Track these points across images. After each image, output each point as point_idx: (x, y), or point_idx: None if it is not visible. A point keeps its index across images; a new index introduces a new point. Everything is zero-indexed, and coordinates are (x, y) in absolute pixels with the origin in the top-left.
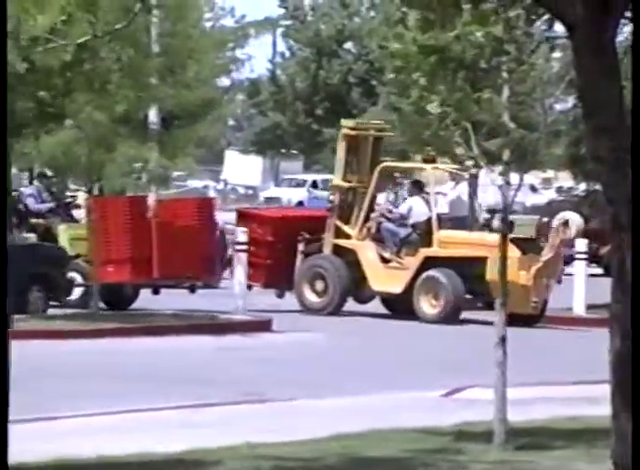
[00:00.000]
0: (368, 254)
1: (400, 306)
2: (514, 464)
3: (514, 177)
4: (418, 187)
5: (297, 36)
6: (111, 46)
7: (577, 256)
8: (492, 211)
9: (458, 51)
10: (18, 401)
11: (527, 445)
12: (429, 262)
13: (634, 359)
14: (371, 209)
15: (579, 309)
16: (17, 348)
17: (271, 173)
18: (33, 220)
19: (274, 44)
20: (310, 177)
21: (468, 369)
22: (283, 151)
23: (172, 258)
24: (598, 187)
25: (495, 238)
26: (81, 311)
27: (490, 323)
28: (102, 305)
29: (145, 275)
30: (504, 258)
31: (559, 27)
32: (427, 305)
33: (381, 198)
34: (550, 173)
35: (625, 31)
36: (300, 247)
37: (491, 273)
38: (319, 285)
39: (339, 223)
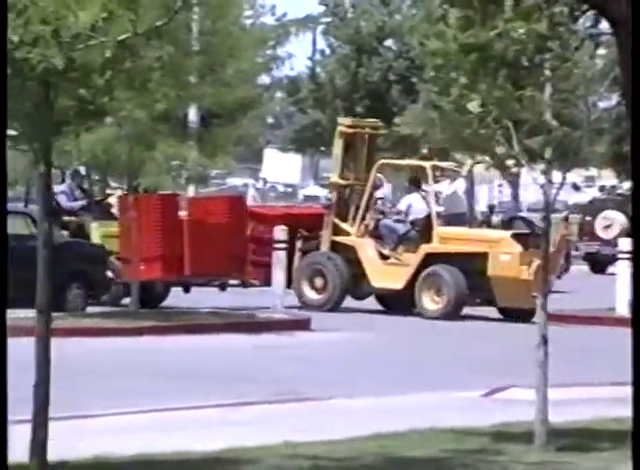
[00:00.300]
0: (367, 250)
1: (396, 303)
2: (555, 465)
3: (556, 175)
4: (416, 184)
5: (337, 34)
6: (151, 44)
7: (620, 255)
8: (491, 208)
9: (500, 49)
10: (57, 399)
11: (569, 446)
12: (430, 259)
13: (634, 359)
14: (369, 205)
15: (622, 310)
16: (56, 345)
17: (310, 171)
18: (66, 218)
19: (314, 42)
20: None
21: (507, 368)
22: (322, 149)
23: (203, 255)
24: None
25: (495, 234)
26: (120, 309)
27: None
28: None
29: (176, 273)
30: (546, 258)
31: (604, 24)
32: (429, 301)
33: (379, 194)
34: (593, 171)
35: None
36: (298, 244)
37: (492, 269)
38: (318, 282)
39: (337, 221)
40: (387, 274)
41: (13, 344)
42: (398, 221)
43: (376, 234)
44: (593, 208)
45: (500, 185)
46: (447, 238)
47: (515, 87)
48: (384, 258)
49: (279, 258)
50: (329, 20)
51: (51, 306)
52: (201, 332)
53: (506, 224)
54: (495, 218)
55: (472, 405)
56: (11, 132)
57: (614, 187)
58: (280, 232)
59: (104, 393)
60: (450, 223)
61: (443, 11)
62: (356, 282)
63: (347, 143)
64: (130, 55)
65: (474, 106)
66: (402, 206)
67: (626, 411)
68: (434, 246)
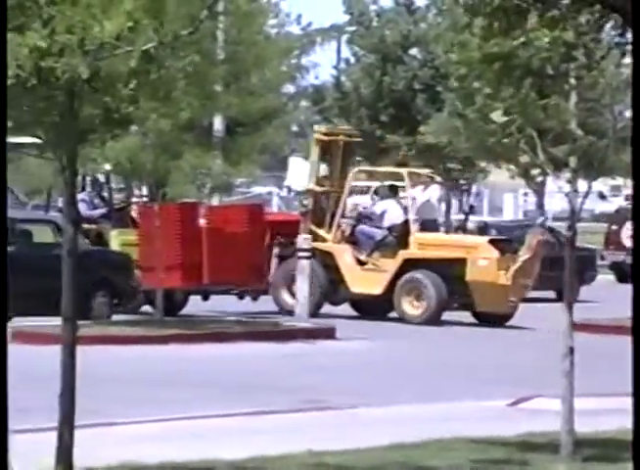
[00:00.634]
0: (345, 256)
1: (371, 308)
2: None
3: (582, 184)
4: (393, 191)
5: (361, 42)
6: (176, 53)
7: None
8: (467, 214)
9: (524, 57)
10: (82, 407)
11: (595, 456)
12: (408, 264)
13: (635, 359)
14: (345, 212)
15: None
16: (81, 353)
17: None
18: (85, 226)
19: (338, 50)
20: (374, 184)
21: (535, 376)
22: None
23: (222, 264)
24: None
25: (472, 240)
26: (145, 317)
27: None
28: (151, 309)
29: (195, 281)
30: (572, 267)
31: (630, 33)
32: (409, 307)
33: (354, 200)
34: (619, 181)
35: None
36: (275, 250)
37: (471, 274)
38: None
39: (313, 227)
40: (365, 280)
41: (38, 351)
42: (375, 227)
43: (352, 240)
44: (619, 217)
45: (525, 194)
46: (425, 244)
47: (539, 96)
48: (361, 263)
49: (302, 266)
50: (354, 28)
51: (76, 314)
52: (225, 340)
53: (482, 230)
54: (471, 224)
55: (497, 415)
56: (36, 140)
57: None
58: (304, 241)
59: (129, 401)
60: (423, 230)
61: (469, 19)
62: (334, 288)
63: (323, 150)
64: (155, 64)
65: (497, 115)
66: (377, 209)
67: None
68: (413, 252)
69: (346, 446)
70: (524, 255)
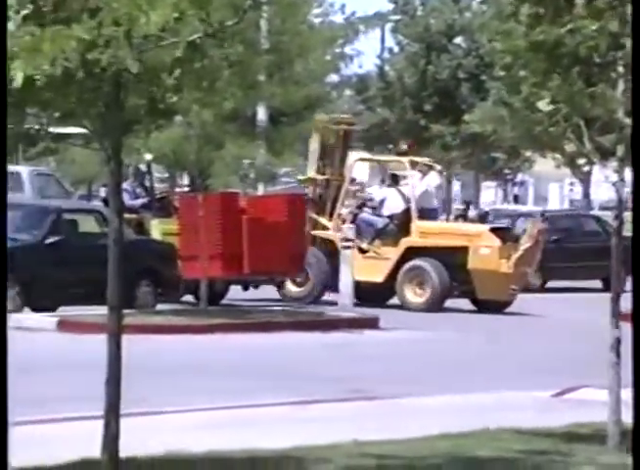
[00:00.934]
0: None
1: (371, 296)
2: (628, 467)
3: (629, 174)
4: (393, 179)
5: (406, 31)
6: (220, 44)
7: None
8: (468, 203)
9: (571, 46)
10: (127, 396)
11: None
12: (410, 252)
13: (634, 359)
14: (345, 200)
15: None
16: (126, 342)
17: (379, 169)
18: (126, 215)
19: (382, 40)
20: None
21: (580, 367)
22: (390, 147)
23: (263, 254)
24: None
25: (474, 228)
26: (189, 307)
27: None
28: (192, 299)
29: (236, 271)
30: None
31: None
32: (411, 294)
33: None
34: None
35: None
36: None
37: (472, 262)
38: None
39: (315, 215)
40: (367, 268)
41: (85, 340)
42: (376, 215)
43: (355, 229)
44: None
45: (571, 183)
46: (426, 232)
47: (586, 84)
48: (362, 251)
49: (346, 256)
50: (398, 17)
51: (122, 303)
52: (270, 330)
53: (482, 218)
54: (472, 212)
55: (542, 406)
56: (82, 131)
57: None
58: (348, 230)
59: (175, 390)
60: (422, 218)
61: (514, 8)
62: (336, 275)
63: (324, 139)
64: (200, 55)
65: (544, 104)
66: (377, 196)
67: None
68: (415, 240)
69: (392, 436)
70: (525, 243)
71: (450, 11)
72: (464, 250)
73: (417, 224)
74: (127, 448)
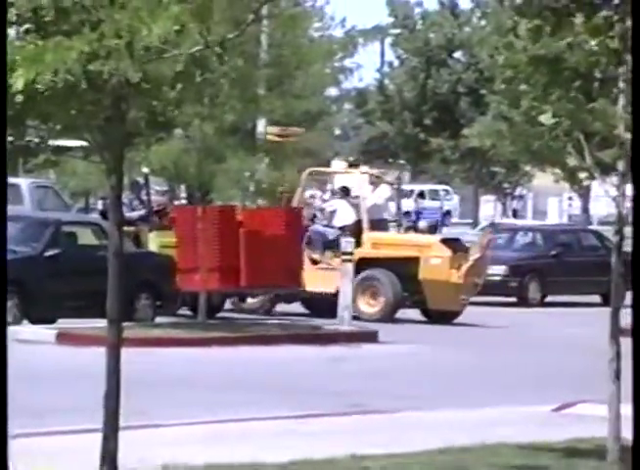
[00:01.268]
0: None
1: (322, 306)
2: None
3: (629, 189)
4: (344, 191)
5: (405, 45)
6: (221, 57)
7: None
8: (418, 214)
9: (572, 60)
10: (126, 408)
11: None
12: (362, 263)
13: (635, 359)
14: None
15: None
16: (125, 355)
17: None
18: (124, 228)
19: (382, 54)
20: (417, 187)
21: (578, 382)
22: (390, 160)
23: (260, 266)
24: None
25: (425, 239)
26: (188, 320)
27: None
28: (188, 312)
29: (233, 284)
30: (619, 272)
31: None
32: (364, 305)
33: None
34: None
35: None
36: None
37: (424, 273)
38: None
39: None
40: (318, 278)
41: (84, 353)
42: (328, 227)
43: (306, 240)
44: None
45: (570, 198)
46: (378, 243)
47: (587, 99)
48: (314, 262)
49: (346, 269)
50: (398, 31)
51: (121, 316)
52: (268, 343)
53: (432, 229)
54: (422, 224)
55: (542, 420)
56: (83, 143)
57: None
58: (347, 244)
59: (174, 403)
60: (372, 229)
61: (514, 22)
62: None
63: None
64: (201, 68)
65: (546, 118)
66: (328, 208)
67: None
68: (367, 251)
69: (391, 451)
70: (475, 254)
71: (450, 25)
72: (415, 260)
73: (368, 235)
74: (126, 462)
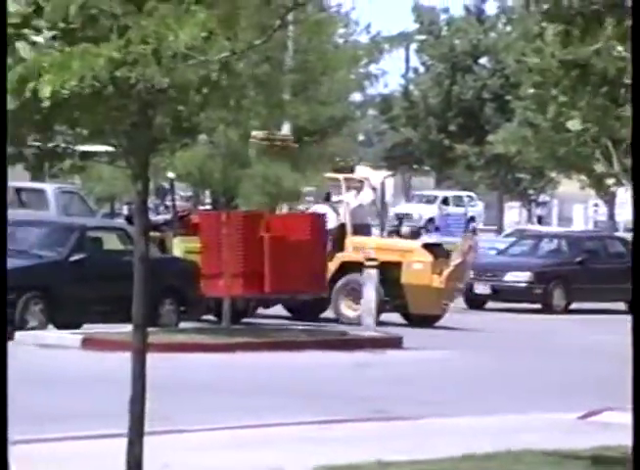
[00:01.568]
0: None
1: (303, 310)
2: None
3: None
4: (326, 195)
5: (431, 51)
6: (247, 62)
7: None
8: (401, 218)
9: (600, 66)
10: (151, 414)
11: None
12: (345, 267)
13: (634, 359)
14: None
15: None
16: (150, 360)
17: (402, 189)
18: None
19: (407, 60)
20: (441, 193)
21: (603, 390)
22: (414, 167)
23: (284, 272)
24: None
25: (407, 244)
26: (212, 325)
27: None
28: (212, 317)
29: (257, 289)
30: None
31: None
32: (346, 308)
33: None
34: None
35: None
36: None
37: (406, 277)
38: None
39: None
40: None
41: (109, 358)
42: None
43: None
44: None
45: (596, 205)
46: (361, 247)
47: (615, 105)
48: None
49: (370, 274)
50: (423, 37)
51: (147, 322)
52: (293, 349)
53: (415, 234)
54: (405, 229)
55: (567, 428)
56: (109, 149)
57: None
58: (371, 250)
59: (197, 408)
60: (355, 234)
61: (540, 28)
62: None
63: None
64: (227, 73)
65: (574, 124)
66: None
67: None
68: (350, 255)
69: (416, 457)
70: (456, 259)
71: (475, 31)
72: (397, 265)
73: (351, 240)
74: (150, 467)
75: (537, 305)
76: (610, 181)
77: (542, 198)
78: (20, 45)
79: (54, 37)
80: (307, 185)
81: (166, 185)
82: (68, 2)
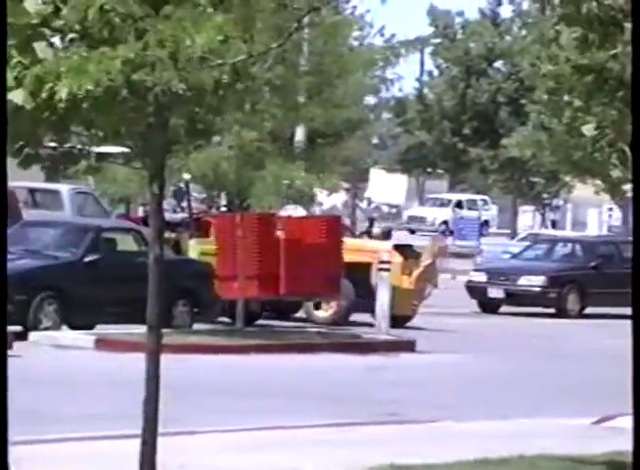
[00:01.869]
0: None
1: (275, 309)
2: None
3: None
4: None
5: (445, 55)
6: (262, 65)
7: None
8: (371, 220)
9: (617, 70)
10: (164, 415)
11: None
12: None
13: (634, 359)
14: None
15: None
16: (163, 362)
17: (416, 192)
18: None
19: (422, 62)
20: (455, 197)
21: (626, 394)
22: (428, 170)
23: (299, 275)
24: None
25: (377, 245)
26: (226, 327)
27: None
28: (226, 319)
29: (272, 292)
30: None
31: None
32: (317, 309)
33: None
34: None
35: None
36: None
37: (376, 278)
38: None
39: None
40: None
41: (122, 359)
42: None
43: None
44: None
45: (610, 209)
46: None
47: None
48: None
49: (383, 278)
50: (438, 41)
51: (161, 323)
52: (306, 351)
53: (385, 235)
54: (376, 230)
55: (582, 433)
56: (124, 150)
57: None
58: (385, 253)
59: (210, 410)
60: None
61: (556, 32)
62: None
63: None
64: (244, 76)
65: (588, 129)
66: (283, 213)
67: None
68: None
69: (429, 461)
70: (426, 260)
71: (490, 35)
72: (368, 266)
73: None
74: (164, 468)
75: (551, 310)
76: (626, 186)
77: (556, 202)
78: (37, 45)
79: (71, 39)
80: (322, 187)
81: (182, 186)
82: (88, 4)
